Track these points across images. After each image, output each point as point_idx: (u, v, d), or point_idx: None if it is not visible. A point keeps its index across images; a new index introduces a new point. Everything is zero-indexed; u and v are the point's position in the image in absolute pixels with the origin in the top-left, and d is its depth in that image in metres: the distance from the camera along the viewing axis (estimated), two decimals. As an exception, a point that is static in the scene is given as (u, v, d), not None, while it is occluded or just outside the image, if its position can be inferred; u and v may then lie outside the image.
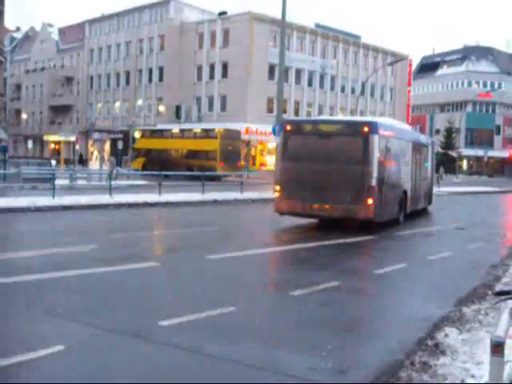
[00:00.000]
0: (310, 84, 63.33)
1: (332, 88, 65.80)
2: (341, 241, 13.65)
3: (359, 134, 15.25)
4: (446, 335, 6.47)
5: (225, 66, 58.62)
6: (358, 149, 15.15)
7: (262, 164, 58.63)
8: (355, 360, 5.66)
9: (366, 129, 15.16)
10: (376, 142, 14.99)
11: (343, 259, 11.45)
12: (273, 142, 34.89)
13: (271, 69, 57.25)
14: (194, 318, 6.68)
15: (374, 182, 14.73)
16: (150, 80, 64.73)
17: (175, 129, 47.73)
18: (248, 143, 51.69)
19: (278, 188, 16.03)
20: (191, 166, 37.78)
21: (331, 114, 65.64)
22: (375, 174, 14.82)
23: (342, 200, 14.90)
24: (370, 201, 14.63)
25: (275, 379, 5.16)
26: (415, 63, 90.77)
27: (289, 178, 15.83)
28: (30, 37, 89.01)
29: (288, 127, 16.45)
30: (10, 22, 78.69)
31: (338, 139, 15.63)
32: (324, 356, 5.69)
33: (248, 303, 7.59)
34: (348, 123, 16.84)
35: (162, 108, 59.71)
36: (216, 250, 11.48)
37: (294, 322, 6.91)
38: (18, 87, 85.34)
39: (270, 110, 56.65)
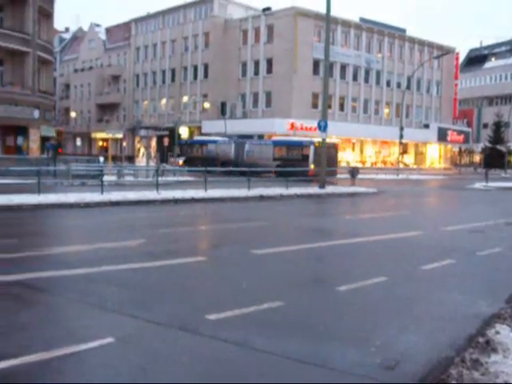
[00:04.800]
0: (355, 79, 62.86)
1: (377, 82, 65.16)
2: (387, 236, 13.53)
3: (335, 146, 40.37)
4: (497, 332, 6.33)
5: (269, 62, 58.63)
6: (334, 152, 39.73)
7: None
8: (404, 356, 5.59)
9: (336, 145, 41.28)
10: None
11: (390, 255, 11.34)
12: (318, 138, 35.20)
13: (316, 64, 57.06)
14: (241, 312, 6.71)
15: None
16: (195, 77, 65.24)
17: None
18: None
19: (313, 165, 36.23)
20: None
21: (376, 109, 65.12)
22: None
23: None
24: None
25: (323, 374, 5.14)
26: (462, 56, 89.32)
27: (316, 162, 35.20)
28: (78, 37, 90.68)
29: (316, 144, 37.20)
30: (59, 24, 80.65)
31: (328, 149, 33.25)
32: (373, 351, 5.65)
33: (295, 298, 7.58)
34: (332, 143, 39.81)
35: (207, 105, 60.07)
36: (262, 245, 11.51)
37: (342, 317, 6.87)
38: (67, 86, 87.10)
39: (315, 106, 56.48)
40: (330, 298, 7.72)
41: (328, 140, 37.64)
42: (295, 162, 37.33)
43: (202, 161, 40.93)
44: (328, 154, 35.75)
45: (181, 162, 45.42)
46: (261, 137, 54.34)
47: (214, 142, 47.24)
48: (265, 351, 5.55)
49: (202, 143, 47.20)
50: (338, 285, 8.23)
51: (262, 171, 34.62)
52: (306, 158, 38.70)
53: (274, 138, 44.42)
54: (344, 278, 8.73)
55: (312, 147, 38.34)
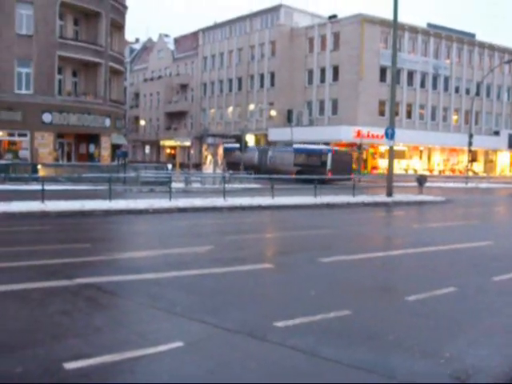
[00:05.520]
0: (422, 85, 61.87)
1: (445, 89, 63.91)
2: (456, 246, 13.26)
3: (349, 154, 45.46)
4: None
5: (335, 70, 58.42)
6: (349, 159, 44.65)
7: (374, 167, 57.86)
8: (475, 369, 5.46)
9: (351, 153, 46.03)
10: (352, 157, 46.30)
11: (460, 265, 11.08)
12: (385, 146, 34.97)
13: (382, 71, 56.50)
14: (308, 320, 6.72)
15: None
16: (262, 85, 65.63)
17: None
18: (359, 147, 51.20)
19: (330, 171, 39.92)
20: None
21: (444, 116, 63.89)
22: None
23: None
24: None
25: (392, 384, 5.10)
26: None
27: (333, 168, 40.51)
28: (147, 47, 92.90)
29: (333, 152, 42.89)
30: (129, 35, 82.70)
31: (343, 156, 43.03)
32: (442, 363, 5.56)
33: (363, 307, 7.53)
34: (346, 151, 45.81)
35: (273, 112, 60.32)
36: (329, 253, 11.49)
37: (410, 327, 6.78)
38: (137, 95, 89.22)
39: (382, 113, 55.92)
40: (398, 307, 7.63)
41: (396, 148, 37.42)
42: (314, 168, 39.92)
43: (230, 166, 44.73)
44: (343, 162, 41.95)
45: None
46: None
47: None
48: (332, 360, 5.55)
49: (231, 150, 50.06)
50: (407, 294, 8.13)
51: (285, 178, 35.16)
52: (324, 164, 42.11)
53: (295, 146, 47.13)
54: (412, 288, 8.62)
55: (330, 155, 42.30)
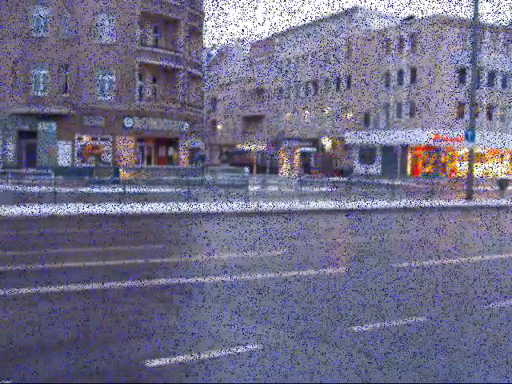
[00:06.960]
0: (503, 86, 59.79)
1: (529, 89, 61.56)
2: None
3: (330, 155, 57.10)
4: None
5: (413, 72, 57.37)
6: (329, 159, 56.41)
7: (452, 171, 56.44)
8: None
9: (331, 154, 59.84)
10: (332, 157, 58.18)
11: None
12: (463, 149, 34.07)
13: (461, 72, 55.05)
14: (382, 325, 6.68)
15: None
16: (337, 88, 65.23)
17: None
18: (437, 149, 50.07)
19: (314, 168, 57.09)
20: None
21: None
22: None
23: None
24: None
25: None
26: None
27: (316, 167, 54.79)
28: (224, 53, 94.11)
29: (316, 154, 58.61)
30: (207, 41, 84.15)
31: (325, 157, 55.29)
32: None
33: (439, 314, 7.39)
34: (328, 153, 55.56)
35: (349, 116, 59.85)
36: (403, 259, 11.35)
37: (489, 337, 6.62)
38: (214, 100, 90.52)
39: (461, 115, 54.48)
40: (476, 316, 7.46)
41: (475, 150, 36.41)
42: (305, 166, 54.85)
43: (240, 165, 51.01)
44: (325, 162, 52.42)
45: (227, 166, 57.33)
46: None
47: (249, 151, 64.46)
48: (407, 369, 5.49)
49: (241, 152, 61.46)
50: (485, 302, 7.94)
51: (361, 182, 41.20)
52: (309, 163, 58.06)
53: None
54: (492, 296, 8.41)
55: (313, 156, 56.25)
